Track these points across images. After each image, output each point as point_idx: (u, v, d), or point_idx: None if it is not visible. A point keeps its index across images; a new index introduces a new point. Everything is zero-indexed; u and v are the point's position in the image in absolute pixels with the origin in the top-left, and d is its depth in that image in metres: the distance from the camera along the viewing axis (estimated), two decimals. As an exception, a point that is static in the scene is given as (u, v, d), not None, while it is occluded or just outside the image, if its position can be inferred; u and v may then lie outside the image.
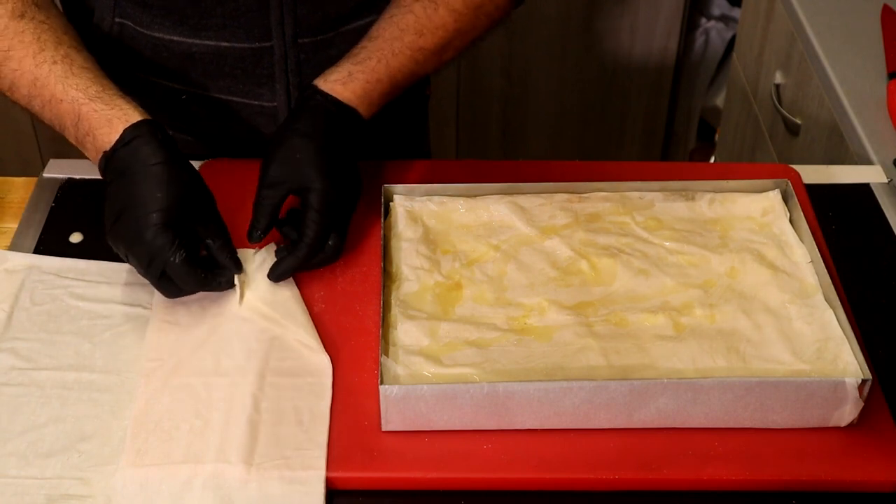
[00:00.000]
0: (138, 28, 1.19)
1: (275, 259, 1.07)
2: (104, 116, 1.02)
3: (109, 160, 1.01)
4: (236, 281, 1.05)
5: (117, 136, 1.00)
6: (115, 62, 1.17)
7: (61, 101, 1.04)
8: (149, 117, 1.02)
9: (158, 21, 1.18)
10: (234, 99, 1.24)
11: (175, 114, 1.24)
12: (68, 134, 1.05)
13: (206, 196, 1.05)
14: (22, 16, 1.06)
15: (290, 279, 1.07)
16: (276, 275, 1.06)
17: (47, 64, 1.05)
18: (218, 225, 1.05)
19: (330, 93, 1.08)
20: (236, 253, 1.06)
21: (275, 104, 1.24)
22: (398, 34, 1.12)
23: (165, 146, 1.00)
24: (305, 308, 1.05)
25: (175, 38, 1.19)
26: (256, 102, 1.24)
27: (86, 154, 1.05)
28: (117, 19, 1.19)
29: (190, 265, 1.00)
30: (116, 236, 1.01)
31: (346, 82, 1.09)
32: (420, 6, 1.13)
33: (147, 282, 1.03)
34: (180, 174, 1.01)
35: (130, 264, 1.02)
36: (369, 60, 1.11)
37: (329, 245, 1.07)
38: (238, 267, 1.05)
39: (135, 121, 1.01)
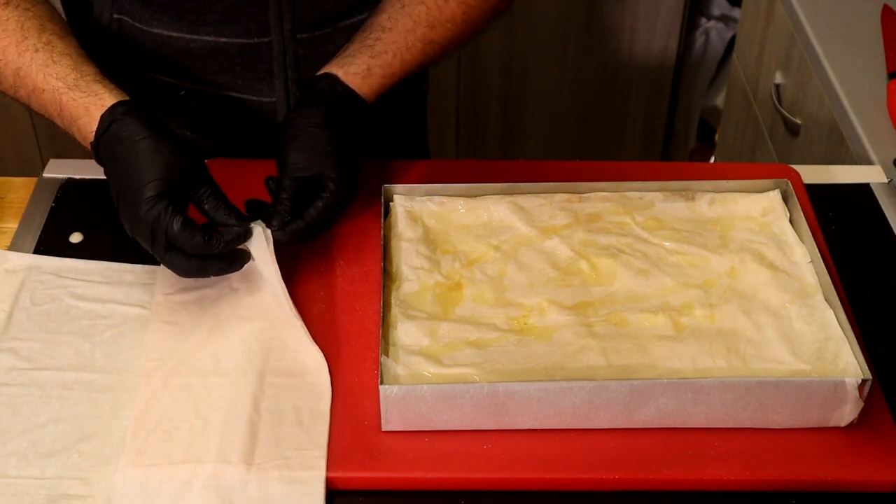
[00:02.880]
0: (137, 24, 1.19)
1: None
2: (82, 105, 1.01)
3: (96, 149, 1.01)
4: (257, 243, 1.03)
5: (97, 125, 1.00)
6: (113, 58, 1.17)
7: (43, 90, 1.03)
8: (125, 97, 1.01)
9: (157, 17, 1.18)
10: (233, 94, 1.24)
11: (174, 109, 1.24)
12: (57, 123, 1.05)
13: (196, 161, 1.02)
14: (6, 4, 1.06)
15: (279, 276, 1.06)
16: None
17: (30, 52, 1.04)
18: (211, 186, 1.02)
19: (350, 85, 1.10)
20: (235, 208, 1.03)
21: (273, 99, 1.24)
22: (411, 26, 1.13)
23: (145, 121, 1.00)
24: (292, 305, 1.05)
25: (173, 34, 1.19)
26: (255, 98, 1.24)
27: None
28: (115, 15, 1.19)
29: (189, 227, 0.98)
30: (123, 219, 1.00)
31: (365, 77, 1.10)
32: None
33: (147, 281, 1.03)
34: (165, 144, 0.99)
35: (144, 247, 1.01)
36: (385, 55, 1.11)
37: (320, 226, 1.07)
38: (239, 219, 1.02)
39: (109, 105, 1.00)
